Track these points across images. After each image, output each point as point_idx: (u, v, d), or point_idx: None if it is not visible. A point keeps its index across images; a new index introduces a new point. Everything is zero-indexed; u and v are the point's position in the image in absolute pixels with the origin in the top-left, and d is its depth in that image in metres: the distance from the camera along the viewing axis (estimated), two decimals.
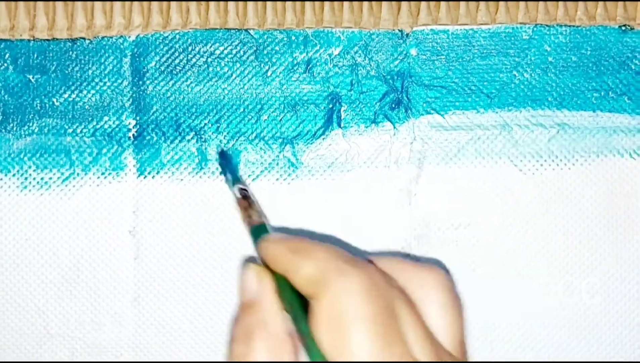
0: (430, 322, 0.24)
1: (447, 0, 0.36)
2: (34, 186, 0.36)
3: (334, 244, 0.25)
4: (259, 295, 0.25)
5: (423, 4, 0.36)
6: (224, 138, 0.36)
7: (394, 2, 0.36)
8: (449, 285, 0.25)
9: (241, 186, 0.32)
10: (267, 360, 0.24)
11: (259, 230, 0.29)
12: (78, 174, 0.36)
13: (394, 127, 0.36)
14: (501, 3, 0.36)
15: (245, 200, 0.31)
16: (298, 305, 0.24)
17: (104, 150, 0.36)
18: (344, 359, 0.22)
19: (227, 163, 0.35)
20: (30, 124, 0.36)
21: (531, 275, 0.36)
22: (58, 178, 0.36)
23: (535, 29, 0.36)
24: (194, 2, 0.36)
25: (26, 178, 0.36)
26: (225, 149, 0.35)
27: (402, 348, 0.22)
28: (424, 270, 0.25)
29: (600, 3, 0.36)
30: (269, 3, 0.36)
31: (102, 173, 0.36)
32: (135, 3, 0.36)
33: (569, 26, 0.36)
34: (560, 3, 0.36)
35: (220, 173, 0.35)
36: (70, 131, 0.36)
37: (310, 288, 0.24)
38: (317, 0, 0.36)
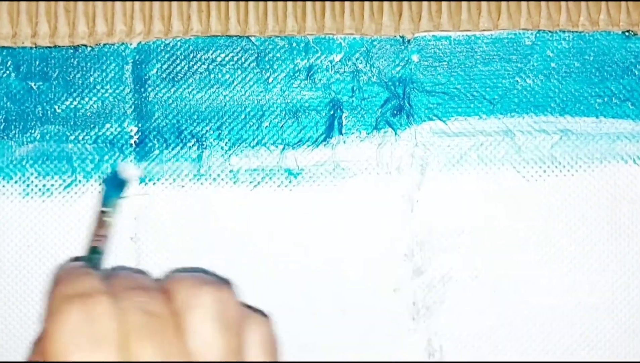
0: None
1: (449, 0, 0.36)
2: (36, 192, 0.36)
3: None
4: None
5: (424, 9, 0.36)
6: (225, 145, 0.36)
7: (395, 8, 0.36)
8: (224, 299, 0.26)
9: (104, 209, 0.34)
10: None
11: (95, 251, 0.33)
12: (80, 181, 0.36)
13: (396, 134, 0.36)
14: (503, 9, 0.36)
15: (101, 221, 0.34)
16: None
17: (106, 157, 0.36)
18: None
19: (112, 185, 0.36)
20: (32, 131, 0.36)
21: (534, 281, 0.36)
22: (60, 184, 0.36)
23: (537, 34, 0.36)
24: (195, 9, 0.36)
25: (28, 185, 0.36)
26: (120, 172, 0.36)
27: None
28: (198, 284, 0.26)
29: (604, 9, 0.36)
30: (270, 10, 0.36)
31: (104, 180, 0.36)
32: (137, 10, 0.36)
33: (572, 32, 0.36)
34: (563, 8, 0.36)
35: (102, 189, 0.36)
36: (72, 138, 0.36)
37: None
38: (319, 2, 0.36)
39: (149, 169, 0.36)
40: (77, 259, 0.33)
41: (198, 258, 0.36)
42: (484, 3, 0.36)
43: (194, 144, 0.36)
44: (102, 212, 0.34)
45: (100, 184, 0.36)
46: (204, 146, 0.36)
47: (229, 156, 0.36)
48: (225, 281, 0.28)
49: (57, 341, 0.23)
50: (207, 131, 0.36)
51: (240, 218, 0.36)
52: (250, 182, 0.36)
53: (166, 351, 0.23)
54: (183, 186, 0.36)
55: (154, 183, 0.36)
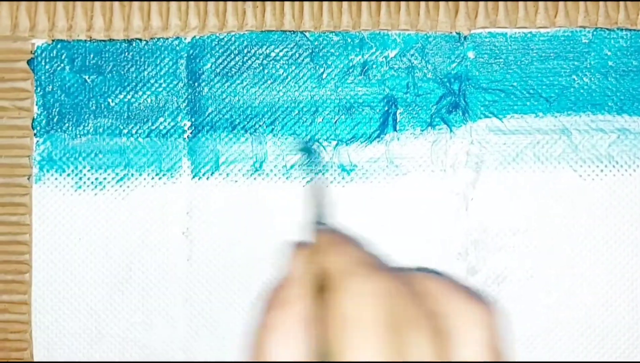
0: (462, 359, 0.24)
1: (506, 0, 0.35)
2: (88, 186, 0.36)
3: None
4: (295, 273, 0.27)
5: (481, 6, 0.36)
6: (279, 140, 0.36)
7: (451, 5, 0.36)
8: (494, 327, 0.24)
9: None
10: (281, 333, 0.24)
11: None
12: (132, 174, 0.36)
13: (451, 131, 0.35)
14: (560, 6, 0.35)
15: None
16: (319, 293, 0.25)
17: (159, 151, 0.36)
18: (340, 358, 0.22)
19: (310, 157, 0.35)
20: (86, 124, 0.37)
21: (590, 281, 0.35)
22: (112, 178, 0.36)
23: (595, 32, 0.35)
24: (251, 5, 0.36)
25: (81, 178, 0.36)
26: (309, 145, 0.35)
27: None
28: (471, 302, 0.25)
29: None
30: (325, 5, 0.36)
31: (157, 174, 0.36)
32: (192, 5, 0.36)
33: (630, 30, 0.35)
34: (622, 7, 0.35)
35: (305, 164, 0.35)
36: (125, 131, 0.36)
37: (329, 281, 0.24)
38: (374, 1, 0.36)
39: (202, 164, 0.36)
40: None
41: (249, 253, 0.36)
42: (540, 1, 0.35)
43: (247, 140, 0.36)
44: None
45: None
46: (258, 142, 0.36)
47: (283, 151, 0.36)
48: (490, 301, 0.27)
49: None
50: (260, 126, 0.36)
51: (292, 213, 0.36)
52: (303, 178, 0.36)
53: (436, 351, 0.23)
54: (236, 181, 0.36)
55: (207, 178, 0.36)
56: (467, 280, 0.35)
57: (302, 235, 0.28)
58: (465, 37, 0.36)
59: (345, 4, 0.36)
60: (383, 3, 0.36)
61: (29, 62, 0.36)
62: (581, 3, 0.35)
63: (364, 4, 0.36)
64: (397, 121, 0.36)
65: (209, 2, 0.36)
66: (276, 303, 0.25)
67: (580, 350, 0.35)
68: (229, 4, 0.36)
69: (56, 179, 0.36)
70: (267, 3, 0.36)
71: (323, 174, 0.36)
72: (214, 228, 0.36)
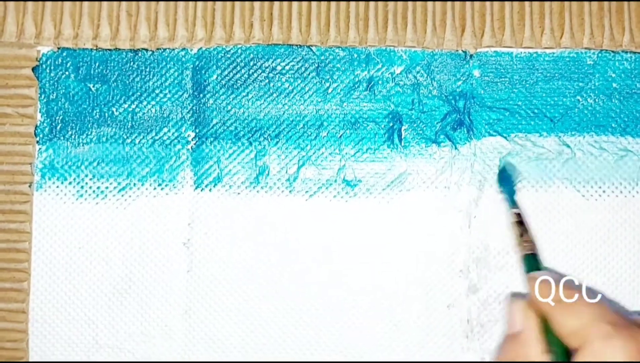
0: None
1: (512, 20, 0.36)
2: (89, 194, 0.36)
3: (603, 300, 0.27)
4: (524, 329, 0.28)
5: (487, 25, 0.36)
6: (282, 153, 0.36)
7: (458, 23, 0.36)
8: None
9: (516, 210, 0.33)
10: None
11: (529, 259, 0.31)
12: (135, 184, 0.36)
13: (455, 148, 0.36)
14: (566, 28, 0.36)
15: (520, 226, 0.32)
16: (561, 351, 0.27)
17: (162, 161, 0.36)
18: None
19: (507, 183, 0.35)
20: (89, 133, 0.36)
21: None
22: (114, 187, 0.36)
23: (600, 54, 0.36)
24: (258, 17, 0.36)
25: (82, 186, 0.36)
26: (507, 167, 0.35)
27: None
28: None
29: None
30: (332, 20, 0.36)
31: (159, 184, 0.36)
32: (199, 16, 0.36)
33: (635, 53, 0.36)
34: (627, 29, 0.35)
35: (500, 191, 0.35)
36: (128, 141, 0.36)
37: (573, 341, 0.26)
38: (382, 15, 0.36)
39: (205, 175, 0.36)
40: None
41: (250, 266, 0.36)
42: (547, 21, 0.36)
43: (251, 152, 0.36)
44: (516, 214, 0.33)
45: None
46: (262, 154, 0.36)
47: (286, 165, 0.36)
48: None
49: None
50: (264, 138, 0.36)
51: (295, 227, 0.36)
52: (306, 192, 0.36)
53: None
54: (238, 194, 0.36)
55: (209, 189, 0.36)
56: (467, 298, 0.35)
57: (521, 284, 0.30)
58: (471, 56, 0.36)
59: (352, 19, 0.36)
60: (390, 19, 0.36)
61: (33, 69, 0.36)
62: (586, 24, 0.36)
63: (371, 20, 0.36)
64: (402, 137, 0.36)
65: (216, 14, 0.36)
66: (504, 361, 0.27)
67: None
68: (236, 16, 0.36)
69: (57, 187, 0.36)
70: (274, 17, 0.36)
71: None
72: (215, 239, 0.36)
